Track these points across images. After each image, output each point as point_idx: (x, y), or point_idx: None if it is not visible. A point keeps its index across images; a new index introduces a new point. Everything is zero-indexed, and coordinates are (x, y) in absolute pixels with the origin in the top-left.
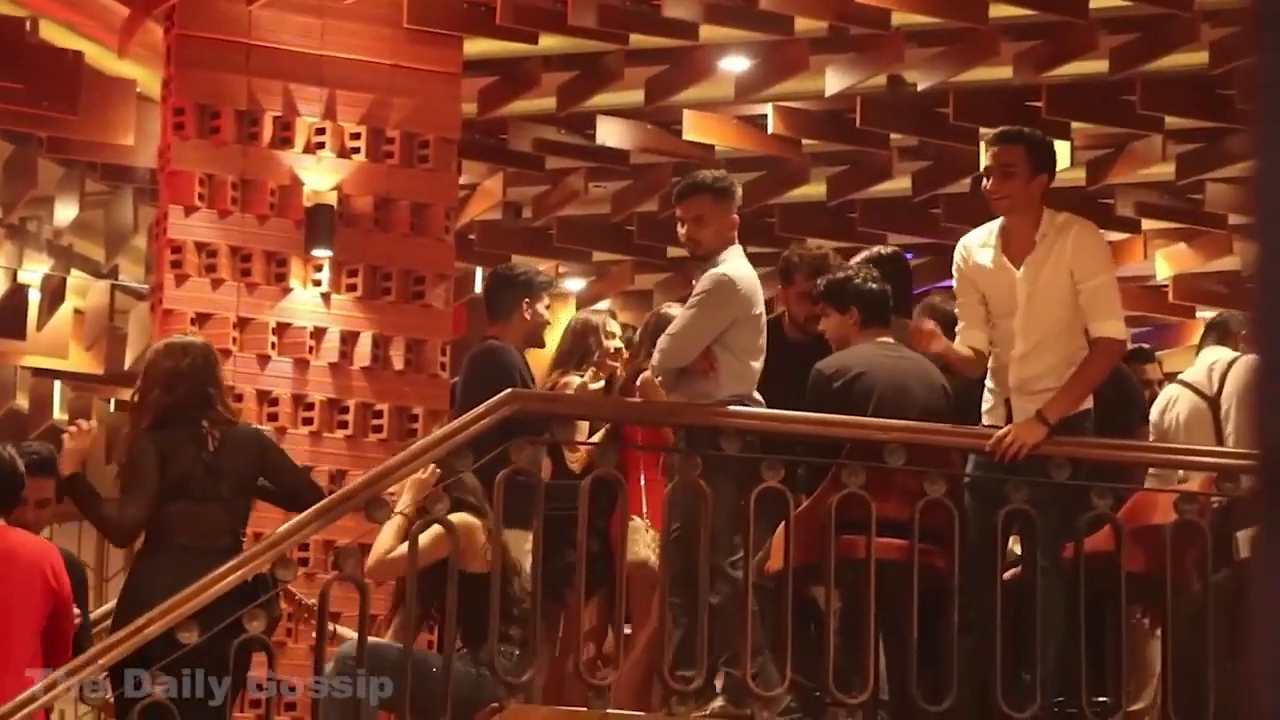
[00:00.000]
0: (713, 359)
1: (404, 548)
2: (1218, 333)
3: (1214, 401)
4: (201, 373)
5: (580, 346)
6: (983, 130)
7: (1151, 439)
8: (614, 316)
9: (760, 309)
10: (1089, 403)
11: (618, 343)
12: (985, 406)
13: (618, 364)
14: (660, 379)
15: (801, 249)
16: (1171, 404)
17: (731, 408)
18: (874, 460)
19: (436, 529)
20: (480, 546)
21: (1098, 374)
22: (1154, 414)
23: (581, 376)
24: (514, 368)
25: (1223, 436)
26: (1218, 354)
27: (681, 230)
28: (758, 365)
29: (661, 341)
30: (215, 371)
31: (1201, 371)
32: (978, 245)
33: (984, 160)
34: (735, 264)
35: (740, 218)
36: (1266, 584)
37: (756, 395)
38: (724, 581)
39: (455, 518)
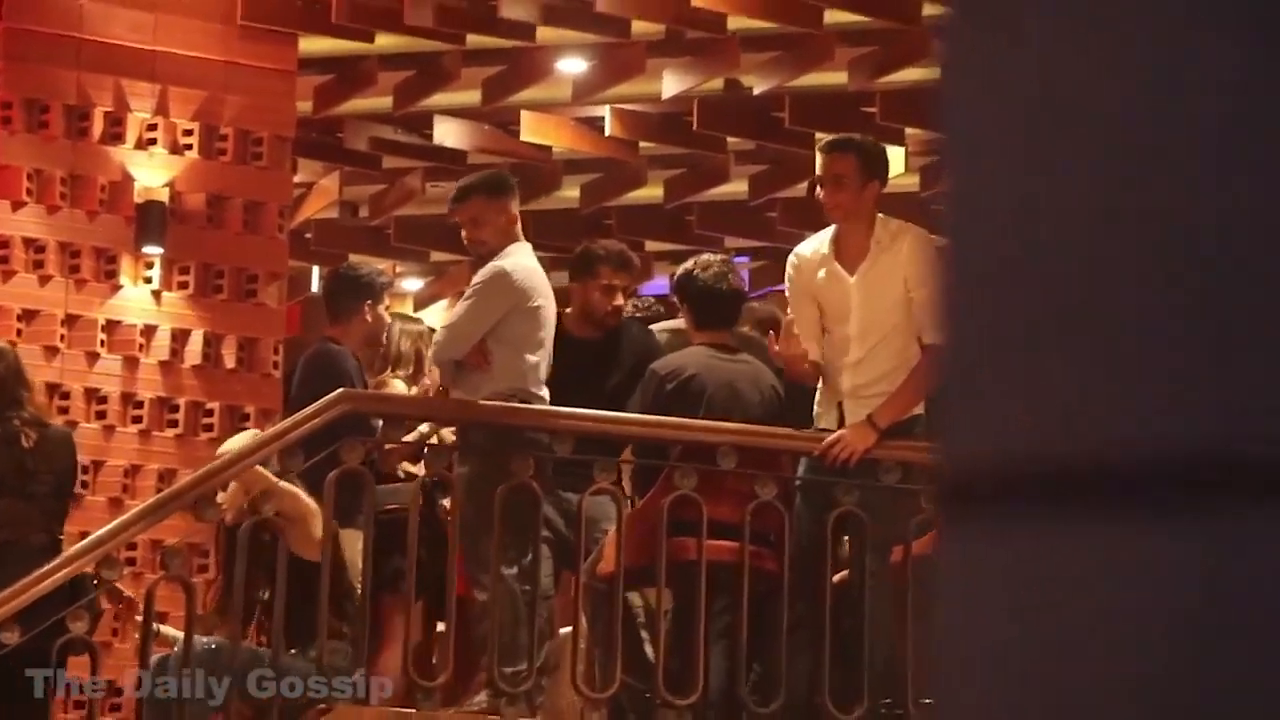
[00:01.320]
0: (487, 352)
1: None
2: None
3: None
4: (12, 375)
5: (412, 353)
6: (818, 135)
7: None
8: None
9: (541, 302)
10: (920, 407)
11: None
12: (816, 410)
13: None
14: (439, 372)
15: (600, 244)
16: None
17: (570, 409)
18: (706, 463)
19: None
20: (317, 535)
21: (929, 381)
22: None
23: (400, 380)
24: (348, 372)
25: None
26: None
27: (464, 235)
28: (536, 359)
29: (436, 334)
30: (22, 373)
31: None
32: (810, 255)
33: (818, 168)
34: (515, 257)
35: (579, 219)
36: (948, 600)
37: (542, 391)
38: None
39: (307, 499)
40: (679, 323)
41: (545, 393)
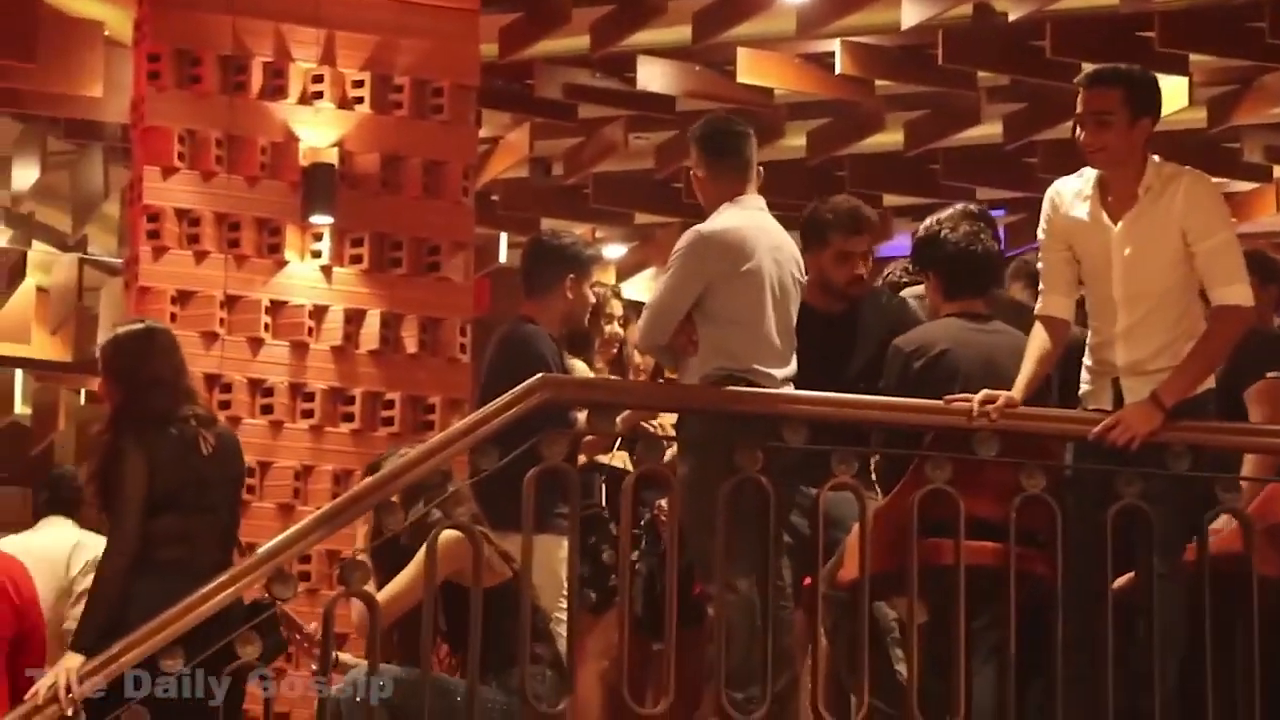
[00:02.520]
0: (691, 330)
1: (405, 576)
2: None
3: None
4: (175, 361)
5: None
6: (1085, 66)
7: None
8: (617, 295)
9: (753, 265)
10: (1210, 381)
11: (617, 327)
12: (1086, 389)
13: (617, 348)
14: (649, 360)
15: (829, 203)
16: None
17: (800, 392)
18: (962, 451)
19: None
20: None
21: (1221, 348)
22: None
23: (580, 361)
24: (545, 356)
25: None
26: None
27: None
28: (755, 332)
29: (640, 318)
30: (183, 360)
31: None
32: (1072, 194)
33: (1078, 105)
34: (721, 218)
35: (806, 171)
36: None
37: (771, 370)
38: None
39: (445, 534)
40: None
41: (778, 372)
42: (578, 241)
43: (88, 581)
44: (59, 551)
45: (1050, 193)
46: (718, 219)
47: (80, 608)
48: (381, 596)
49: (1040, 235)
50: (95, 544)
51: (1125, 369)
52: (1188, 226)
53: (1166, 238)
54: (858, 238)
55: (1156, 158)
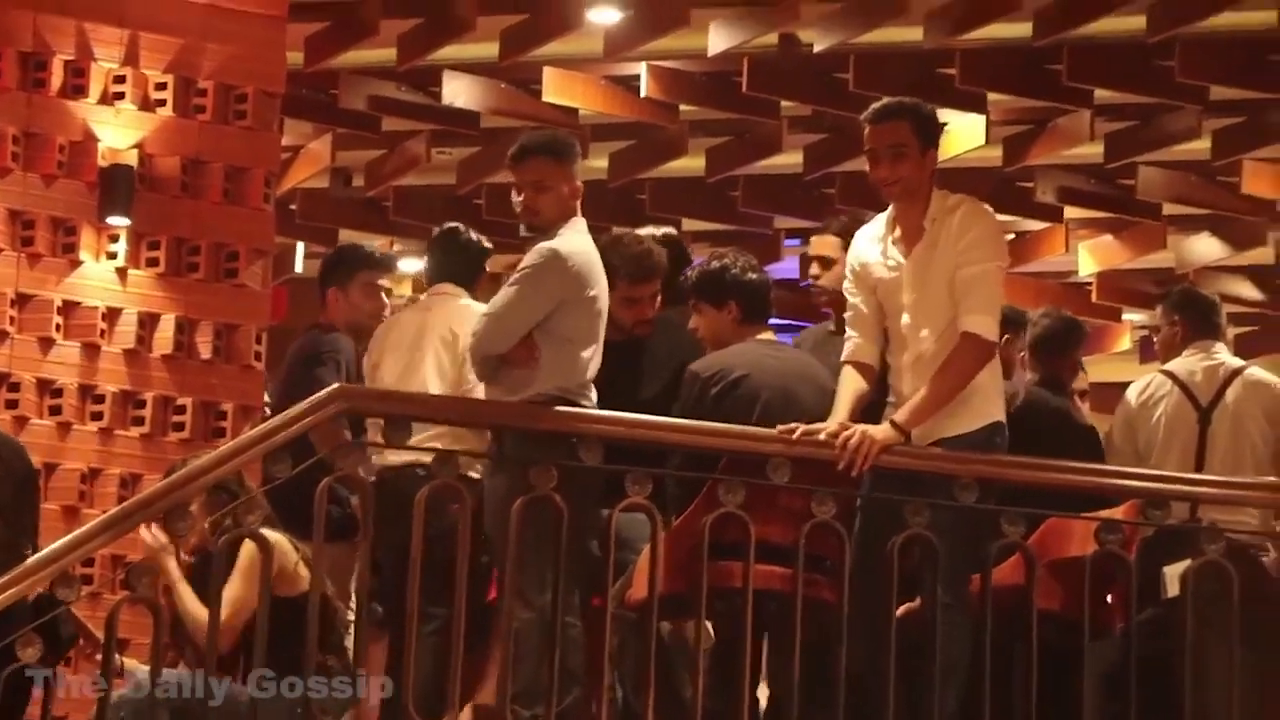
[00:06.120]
0: (534, 347)
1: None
2: (1207, 326)
3: (1205, 413)
4: None
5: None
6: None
7: (1116, 423)
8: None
9: (596, 291)
10: (999, 414)
11: None
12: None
13: None
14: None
15: (618, 245)
16: (1155, 397)
17: (598, 412)
18: (755, 476)
19: (241, 567)
20: (290, 565)
21: (958, 376)
22: (1131, 396)
23: None
24: (336, 356)
25: (1204, 456)
26: (1215, 355)
27: (517, 199)
28: (589, 356)
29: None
30: None
31: (1196, 372)
32: (866, 239)
33: (866, 142)
34: (571, 238)
35: (607, 193)
36: None
37: (591, 394)
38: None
39: (267, 534)
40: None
41: (594, 394)
42: (366, 246)
43: None
44: None
45: (853, 242)
46: (569, 239)
47: None
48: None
49: (845, 284)
50: None
51: (909, 398)
52: (959, 251)
53: (947, 267)
54: (645, 284)
55: (939, 190)
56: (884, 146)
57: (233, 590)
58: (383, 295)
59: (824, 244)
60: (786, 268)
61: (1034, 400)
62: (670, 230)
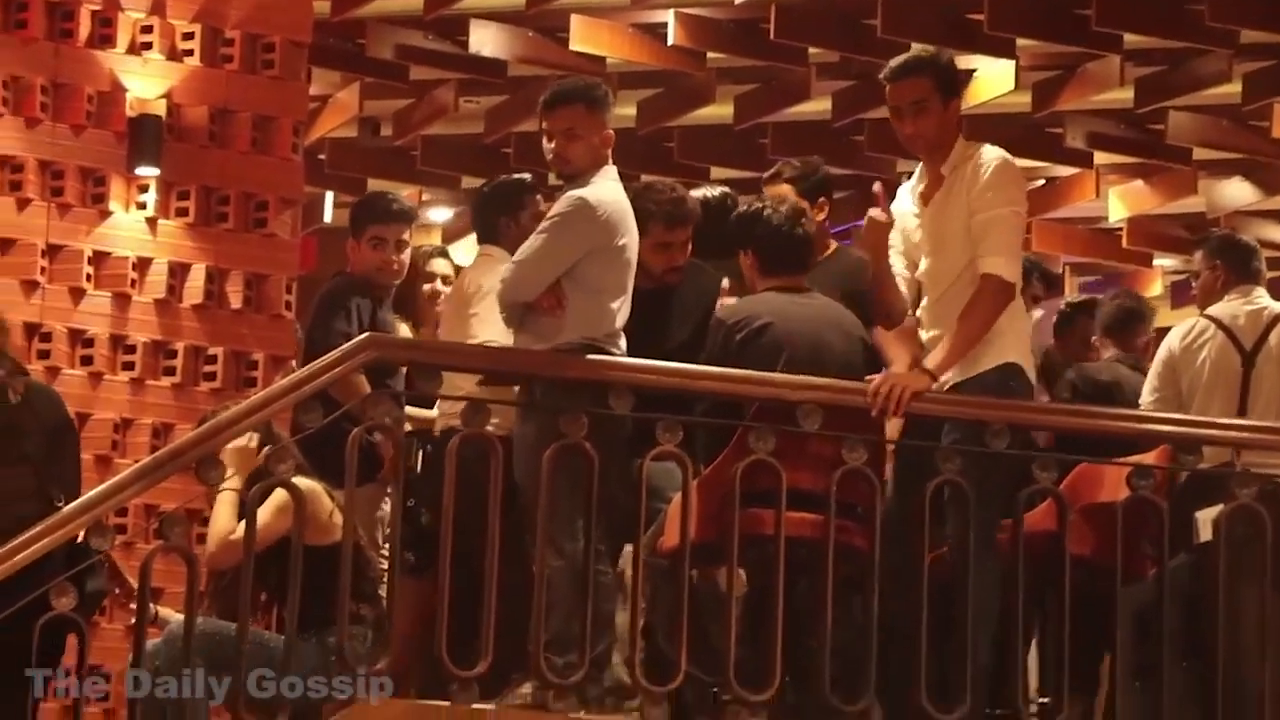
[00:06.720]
0: (560, 295)
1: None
2: (1247, 271)
3: (1249, 356)
4: None
5: (405, 289)
6: (915, 46)
7: (1158, 367)
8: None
9: (626, 240)
10: (1015, 356)
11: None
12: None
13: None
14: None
15: (651, 191)
16: (1199, 341)
17: (627, 360)
18: (785, 423)
19: (277, 500)
20: (325, 515)
21: (982, 318)
22: (1173, 341)
23: (402, 321)
24: (345, 304)
25: (1247, 400)
26: (1257, 299)
27: (548, 146)
28: (617, 306)
29: (504, 270)
30: None
31: (1239, 316)
32: (904, 191)
33: (889, 99)
34: (601, 186)
35: (635, 141)
36: None
37: (621, 343)
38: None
39: (299, 483)
40: None
41: (623, 343)
42: (386, 196)
43: None
44: None
45: (897, 195)
46: (599, 187)
47: None
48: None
49: (890, 237)
50: None
51: (927, 344)
52: (973, 197)
53: (961, 214)
54: (678, 229)
55: (963, 139)
56: (906, 103)
57: (261, 518)
58: (390, 249)
59: (779, 191)
60: None
61: (1119, 376)
62: (726, 189)
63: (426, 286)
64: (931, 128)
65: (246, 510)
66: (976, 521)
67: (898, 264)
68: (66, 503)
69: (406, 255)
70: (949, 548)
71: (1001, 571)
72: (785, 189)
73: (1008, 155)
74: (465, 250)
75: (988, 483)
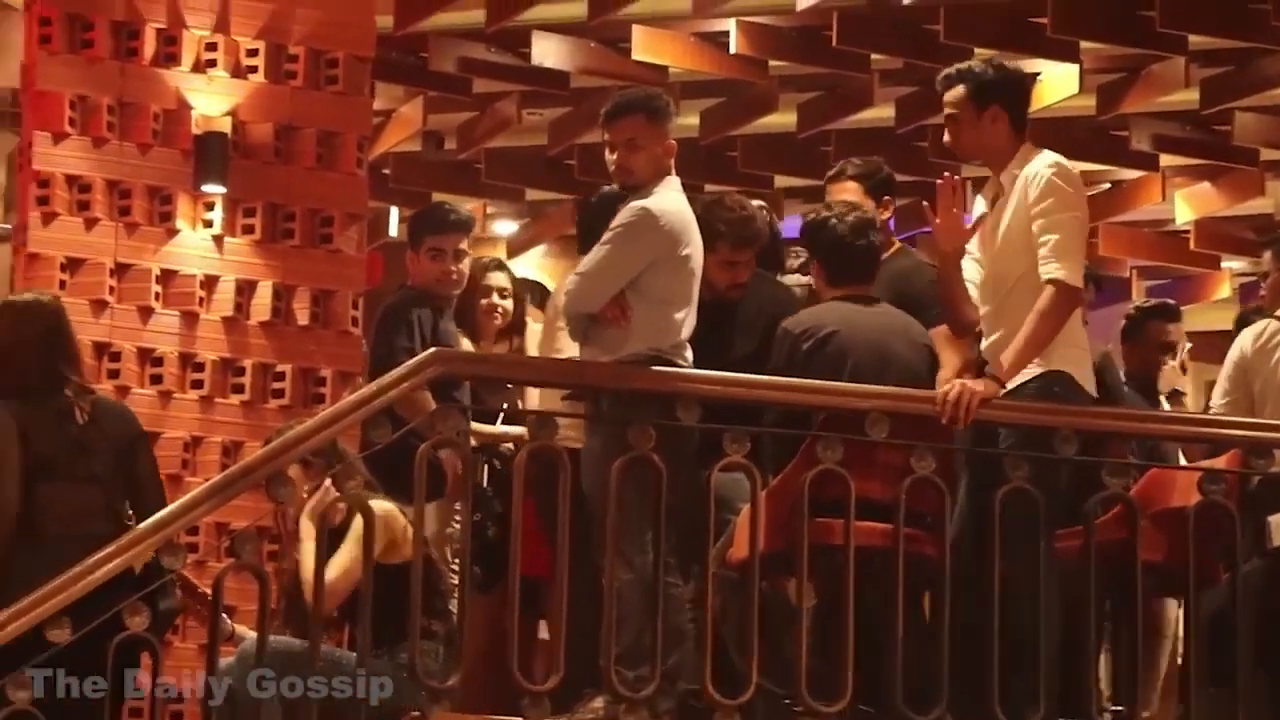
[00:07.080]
0: (625, 306)
1: (341, 561)
2: None
3: None
4: (59, 334)
5: (463, 302)
6: (978, 51)
7: (1229, 369)
8: (500, 268)
9: (690, 250)
10: (1061, 364)
11: (498, 299)
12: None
13: (497, 321)
14: (568, 328)
15: (720, 208)
16: (1273, 342)
17: (693, 370)
18: (853, 432)
19: (359, 529)
20: (399, 535)
21: (1047, 326)
22: (1245, 342)
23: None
24: (406, 318)
25: None
26: None
27: (611, 157)
28: (682, 317)
29: (568, 281)
30: (70, 333)
31: None
32: (980, 197)
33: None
34: (664, 196)
35: (698, 151)
36: None
37: (687, 354)
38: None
39: (375, 506)
40: None
41: (690, 354)
42: (443, 207)
43: None
44: None
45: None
46: (662, 197)
47: None
48: (329, 575)
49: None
50: None
51: (986, 352)
52: (1031, 204)
53: (1019, 221)
54: (745, 249)
55: (1027, 145)
56: (945, 113)
57: (344, 555)
58: (449, 259)
59: (844, 190)
60: None
61: None
62: (761, 203)
63: (484, 301)
64: (963, 136)
65: (320, 529)
66: (1044, 529)
67: (970, 269)
68: (152, 511)
69: (466, 265)
70: (1003, 556)
71: (1065, 579)
72: (850, 186)
73: (1062, 160)
74: (529, 263)
75: (1052, 490)
